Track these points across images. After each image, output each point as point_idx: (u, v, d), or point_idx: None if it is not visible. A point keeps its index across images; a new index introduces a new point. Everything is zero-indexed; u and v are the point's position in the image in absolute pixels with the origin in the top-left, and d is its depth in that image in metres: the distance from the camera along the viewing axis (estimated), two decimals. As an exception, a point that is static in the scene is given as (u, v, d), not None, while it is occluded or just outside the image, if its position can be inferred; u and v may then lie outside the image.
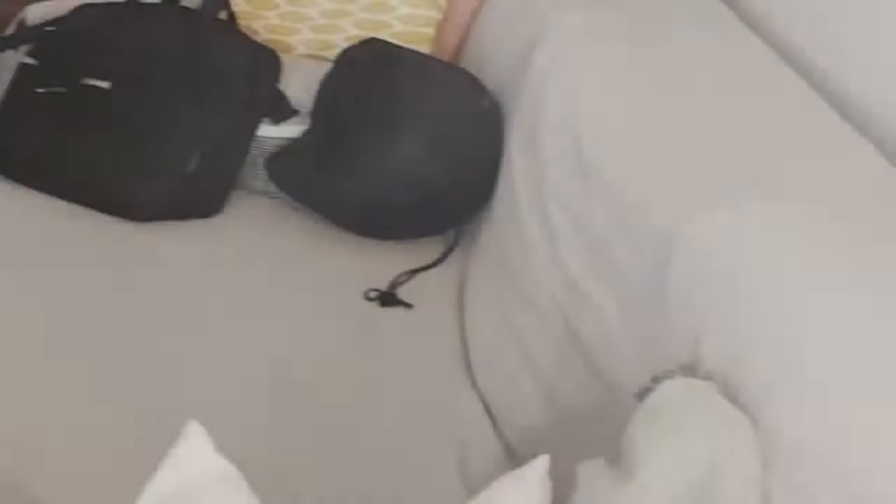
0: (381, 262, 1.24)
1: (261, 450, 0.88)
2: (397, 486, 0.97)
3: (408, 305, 1.20)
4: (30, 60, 1.28)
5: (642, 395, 0.73)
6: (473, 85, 1.28)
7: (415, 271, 1.24)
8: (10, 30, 1.40)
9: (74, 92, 1.25)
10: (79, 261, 1.16)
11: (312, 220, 1.29)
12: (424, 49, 1.41)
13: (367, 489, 0.95)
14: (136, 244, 1.20)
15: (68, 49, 1.29)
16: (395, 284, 1.22)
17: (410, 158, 1.23)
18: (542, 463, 0.67)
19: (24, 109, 1.28)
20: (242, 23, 1.41)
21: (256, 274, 1.20)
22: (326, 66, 1.33)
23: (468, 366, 1.14)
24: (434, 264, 1.26)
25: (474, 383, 1.12)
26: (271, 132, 1.30)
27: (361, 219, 1.28)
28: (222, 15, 1.38)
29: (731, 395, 0.71)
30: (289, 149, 1.30)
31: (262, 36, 1.42)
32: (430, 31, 1.45)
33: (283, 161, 1.30)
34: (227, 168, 1.29)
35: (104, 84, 1.24)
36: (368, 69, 1.30)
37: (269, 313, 1.14)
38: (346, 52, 1.34)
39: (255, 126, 1.28)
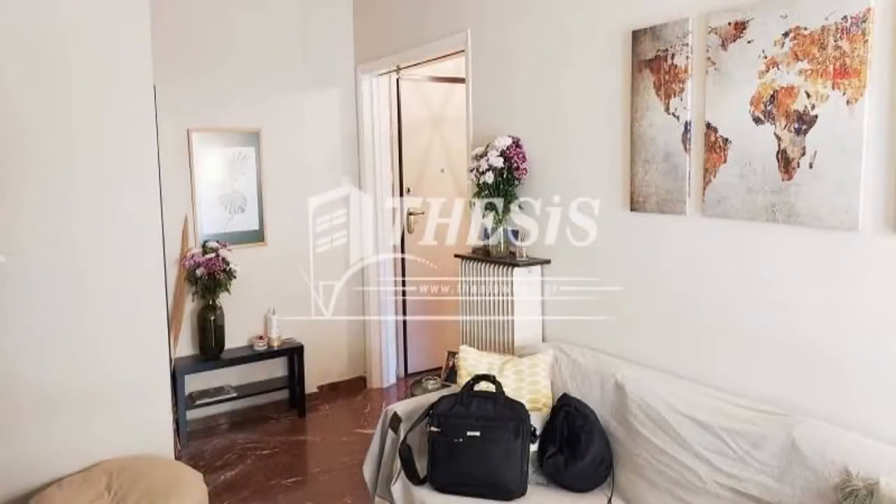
0: None
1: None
2: None
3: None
4: (435, 429, 2.45)
5: None
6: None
7: None
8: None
9: (465, 440, 2.44)
10: None
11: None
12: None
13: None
14: None
15: (450, 419, 2.49)
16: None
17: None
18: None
19: (440, 452, 2.44)
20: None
21: None
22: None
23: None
24: None
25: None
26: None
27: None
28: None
29: None
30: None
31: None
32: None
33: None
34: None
35: (477, 433, 2.46)
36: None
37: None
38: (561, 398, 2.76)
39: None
